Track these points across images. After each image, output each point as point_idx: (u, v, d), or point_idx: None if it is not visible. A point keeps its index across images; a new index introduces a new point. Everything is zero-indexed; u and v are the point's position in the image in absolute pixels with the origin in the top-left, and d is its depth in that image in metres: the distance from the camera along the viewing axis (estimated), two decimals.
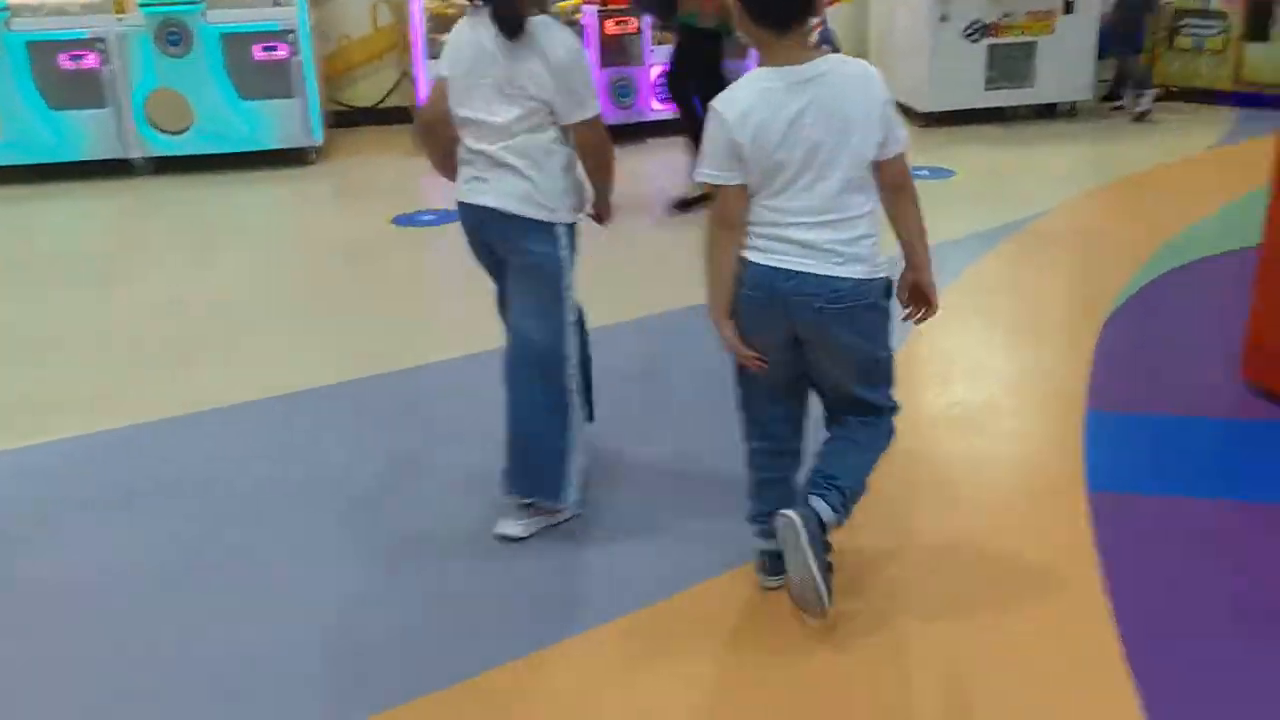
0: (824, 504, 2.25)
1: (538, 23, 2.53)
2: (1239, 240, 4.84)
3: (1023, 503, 2.82)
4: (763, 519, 2.40)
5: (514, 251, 2.64)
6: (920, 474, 2.95)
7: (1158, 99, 7.71)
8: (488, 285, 2.79)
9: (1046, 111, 7.80)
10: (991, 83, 7.52)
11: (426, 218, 5.79)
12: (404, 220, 5.76)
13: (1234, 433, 3.22)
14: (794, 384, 2.38)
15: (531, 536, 2.71)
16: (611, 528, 2.73)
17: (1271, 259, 3.31)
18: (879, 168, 2.20)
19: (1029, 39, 7.50)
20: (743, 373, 2.36)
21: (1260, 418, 3.25)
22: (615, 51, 7.28)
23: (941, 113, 7.48)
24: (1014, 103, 7.61)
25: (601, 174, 2.71)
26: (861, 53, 7.78)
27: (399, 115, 7.79)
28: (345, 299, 4.63)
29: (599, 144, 2.63)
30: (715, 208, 2.26)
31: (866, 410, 2.35)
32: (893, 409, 2.38)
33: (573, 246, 2.66)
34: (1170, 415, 3.29)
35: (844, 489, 2.29)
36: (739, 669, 2.23)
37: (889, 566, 2.54)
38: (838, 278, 2.18)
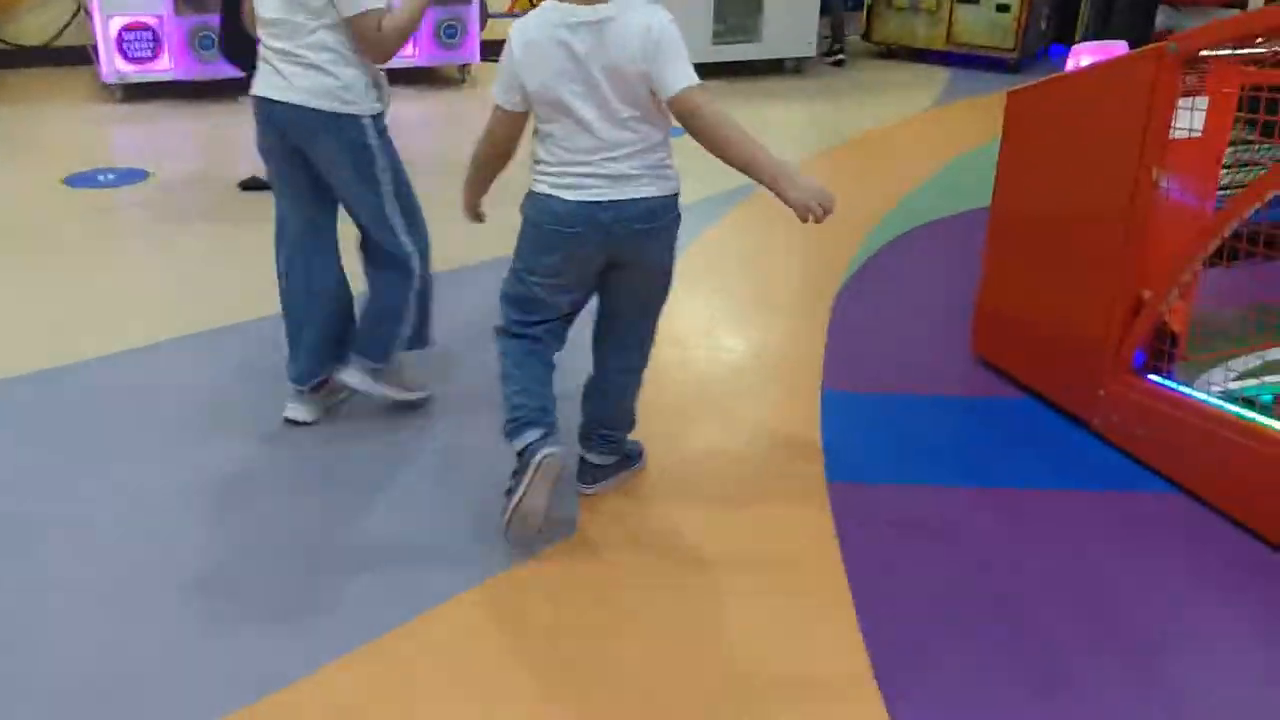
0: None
1: None
2: (961, 203, 4.92)
3: (760, 490, 2.67)
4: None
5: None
6: (653, 463, 2.75)
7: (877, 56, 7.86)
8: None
9: (775, 67, 7.78)
10: (719, 36, 7.42)
11: (105, 177, 5.11)
12: (80, 180, 5.05)
13: (968, 411, 3.18)
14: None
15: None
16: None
17: (998, 231, 3.27)
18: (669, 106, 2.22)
19: None
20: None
21: (992, 394, 3.22)
22: None
23: None
24: (742, 58, 7.55)
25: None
26: None
27: (74, 56, 6.92)
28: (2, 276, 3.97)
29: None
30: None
31: None
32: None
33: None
34: (906, 394, 3.22)
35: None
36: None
37: (620, 559, 2.33)
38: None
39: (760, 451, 2.90)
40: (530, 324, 2.40)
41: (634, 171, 2.25)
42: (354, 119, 2.63)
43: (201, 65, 6.51)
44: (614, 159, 2.24)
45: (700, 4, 7.28)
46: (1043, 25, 8.22)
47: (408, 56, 7.09)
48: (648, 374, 2.60)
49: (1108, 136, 2.76)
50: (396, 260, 2.79)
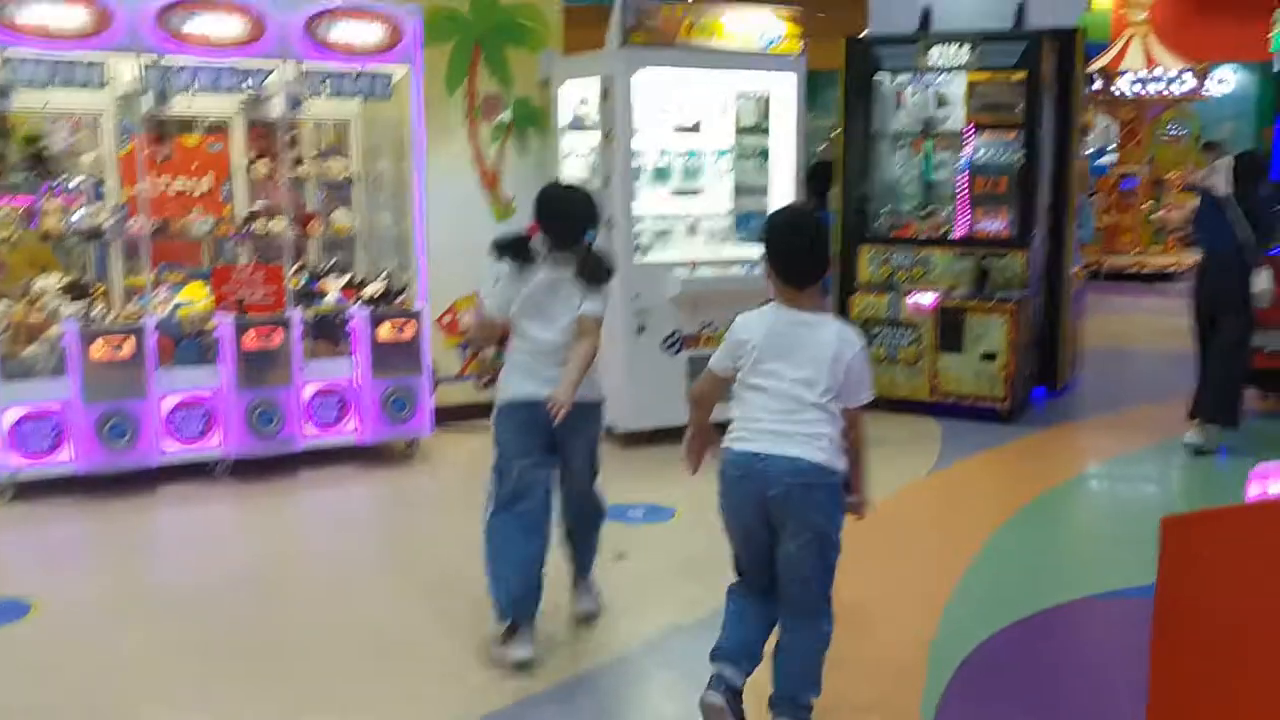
0: None
1: None
2: (1015, 608, 4.12)
3: None
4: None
5: None
6: None
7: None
8: None
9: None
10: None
11: None
12: None
13: None
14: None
15: None
16: None
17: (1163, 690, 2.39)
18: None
19: None
20: None
21: None
22: (256, 369, 5.97)
23: (644, 432, 6.65)
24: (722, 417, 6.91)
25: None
26: None
27: None
28: None
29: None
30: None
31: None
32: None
33: None
34: None
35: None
36: None
37: None
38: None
39: None
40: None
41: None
42: None
43: (109, 456, 5.65)
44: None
45: (673, 365, 6.71)
46: (1025, 370, 7.79)
47: (348, 433, 6.31)
48: None
49: None
50: None
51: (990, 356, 7.44)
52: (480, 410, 7.22)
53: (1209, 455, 6.62)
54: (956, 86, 7.89)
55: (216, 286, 5.99)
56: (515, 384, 3.89)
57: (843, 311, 7.89)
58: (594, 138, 6.94)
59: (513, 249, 3.91)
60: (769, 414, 3.08)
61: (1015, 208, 7.60)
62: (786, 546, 3.09)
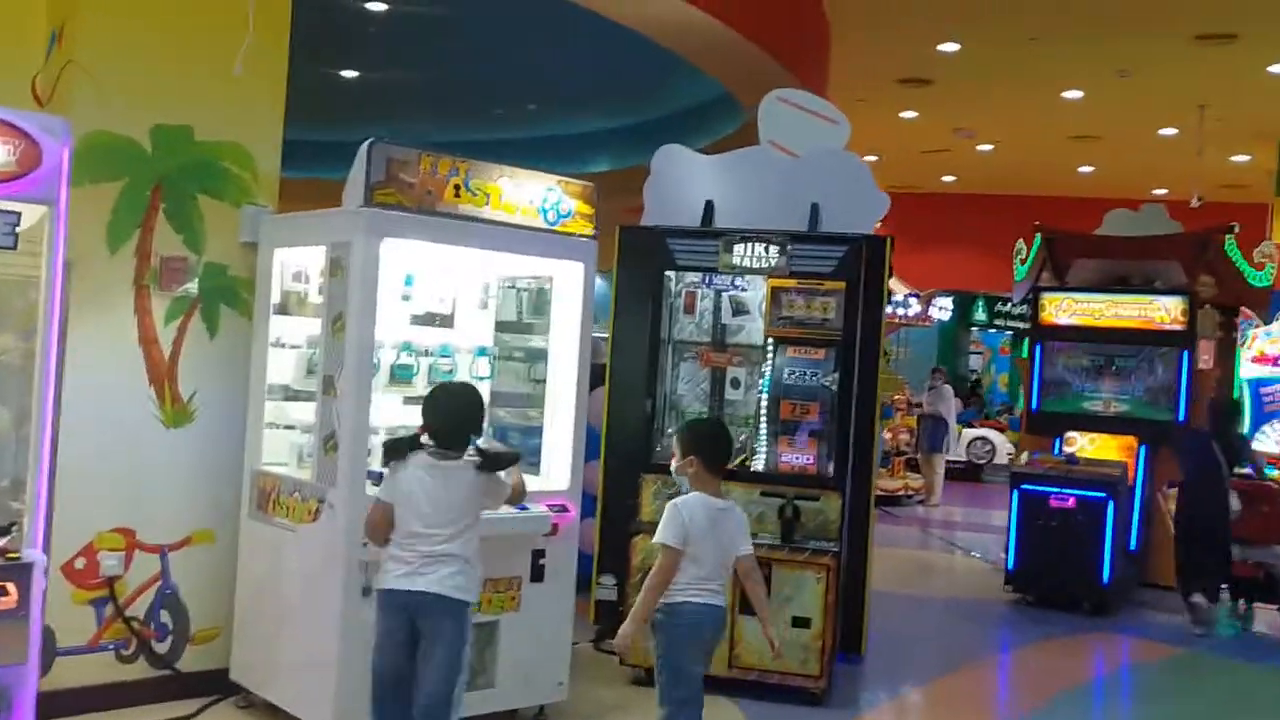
0: None
1: None
2: None
3: None
4: None
5: None
6: None
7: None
8: None
9: None
10: None
11: None
12: None
13: None
14: None
15: None
16: None
17: None
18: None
19: (489, 617, 5.08)
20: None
21: None
22: None
23: None
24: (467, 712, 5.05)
25: None
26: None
27: None
28: None
29: None
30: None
31: None
32: None
33: None
34: None
35: None
36: None
37: None
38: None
39: None
40: None
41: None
42: None
43: None
44: None
45: None
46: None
47: None
48: None
49: None
50: None
51: (803, 622, 6.02)
52: (125, 691, 5.07)
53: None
54: (754, 292, 6.71)
55: None
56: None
57: (620, 558, 6.31)
58: (313, 325, 5.16)
59: (406, 451, 4.27)
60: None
61: (829, 439, 6.37)
62: None
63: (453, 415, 4.28)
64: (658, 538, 4.25)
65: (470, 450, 4.27)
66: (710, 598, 4.26)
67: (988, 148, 16.79)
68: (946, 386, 15.77)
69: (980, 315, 22.47)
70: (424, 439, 4.24)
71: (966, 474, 17.89)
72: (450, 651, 4.15)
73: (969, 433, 18.97)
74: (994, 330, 23.24)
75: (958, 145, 16.40)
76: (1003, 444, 19.21)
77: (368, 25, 10.90)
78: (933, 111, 14.70)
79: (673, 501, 4.32)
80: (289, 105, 5.73)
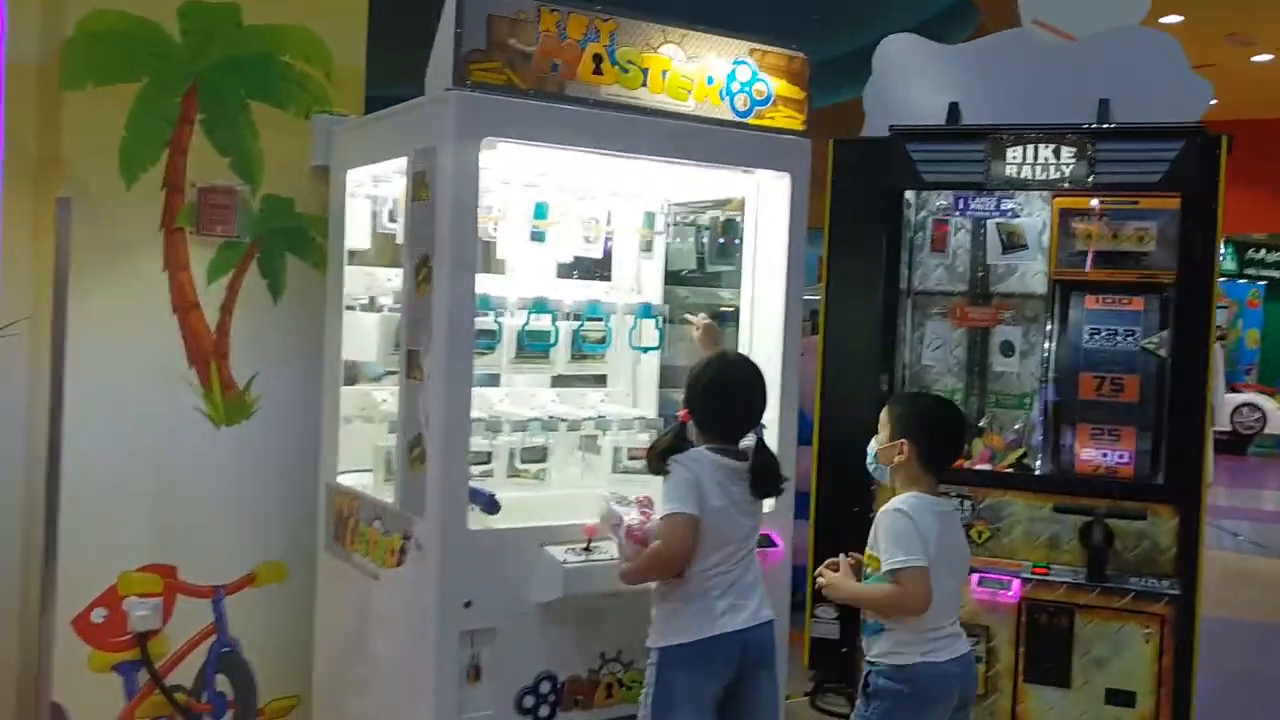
0: None
1: None
2: None
3: None
4: None
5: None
6: None
7: None
8: None
9: None
10: None
11: None
12: None
13: None
14: None
15: None
16: None
17: None
18: None
19: None
20: None
21: None
22: None
23: None
24: None
25: None
26: None
27: None
28: None
29: None
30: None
31: None
32: None
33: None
34: None
35: None
36: None
37: None
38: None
39: None
40: None
41: None
42: None
43: None
44: None
45: None
46: None
47: None
48: None
49: None
50: None
51: (1124, 698, 4.10)
52: None
53: None
54: (1034, 218, 4.77)
55: None
56: None
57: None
58: (398, 275, 3.56)
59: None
60: None
61: (1152, 429, 4.39)
62: None
63: (756, 404, 3.25)
64: (889, 563, 3.08)
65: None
66: (951, 645, 3.16)
67: (1265, 58, 14.01)
68: (1216, 344, 13.26)
69: (1229, 264, 19.50)
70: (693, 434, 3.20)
71: (1230, 446, 15.46)
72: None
73: (1231, 398, 16.45)
74: (1244, 281, 20.16)
75: (1228, 56, 13.67)
76: (1274, 411, 16.65)
77: None
78: (1200, 10, 12.17)
79: (895, 508, 3.13)
80: None
